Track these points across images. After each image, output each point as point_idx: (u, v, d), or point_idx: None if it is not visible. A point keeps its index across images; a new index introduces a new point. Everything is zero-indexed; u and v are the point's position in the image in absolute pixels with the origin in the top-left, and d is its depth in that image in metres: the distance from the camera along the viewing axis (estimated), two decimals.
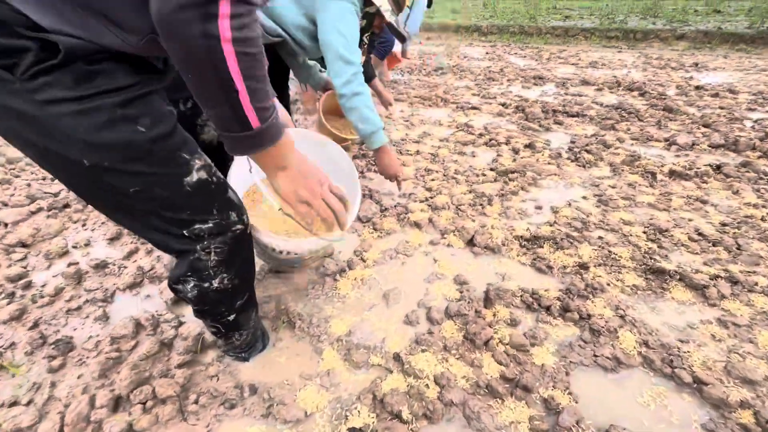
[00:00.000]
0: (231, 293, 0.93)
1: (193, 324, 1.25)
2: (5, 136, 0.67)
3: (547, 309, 1.27)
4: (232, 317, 1.00)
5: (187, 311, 1.33)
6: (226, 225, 0.83)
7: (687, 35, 5.82)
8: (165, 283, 1.43)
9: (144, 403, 1.01)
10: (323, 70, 2.12)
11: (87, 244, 1.69)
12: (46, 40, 0.59)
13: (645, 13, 8.30)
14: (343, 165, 1.33)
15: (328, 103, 2.17)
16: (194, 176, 0.77)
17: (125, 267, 1.53)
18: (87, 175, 0.69)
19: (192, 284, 0.88)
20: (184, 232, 0.80)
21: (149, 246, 1.64)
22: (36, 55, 0.59)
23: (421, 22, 3.50)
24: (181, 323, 1.27)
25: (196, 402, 1.02)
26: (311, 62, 2.06)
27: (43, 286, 1.45)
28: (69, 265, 1.54)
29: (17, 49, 0.58)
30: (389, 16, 1.69)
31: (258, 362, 1.14)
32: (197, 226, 0.80)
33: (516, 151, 2.39)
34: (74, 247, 1.68)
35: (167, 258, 1.55)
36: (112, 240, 1.70)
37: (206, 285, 0.88)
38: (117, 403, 1.03)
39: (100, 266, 1.53)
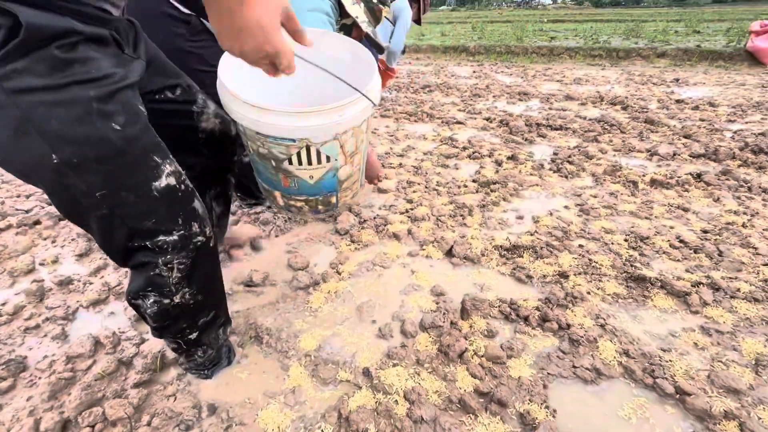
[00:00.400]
0: (194, 309, 0.89)
1: (155, 341, 1.19)
2: None
3: (526, 319, 1.23)
4: (194, 335, 0.94)
5: None
6: (189, 236, 0.80)
7: (668, 53, 5.98)
8: None
9: (93, 426, 0.94)
10: None
11: (55, 261, 1.63)
12: (13, 15, 0.54)
13: (627, 34, 8.58)
14: (344, 57, 1.07)
15: None
16: (163, 181, 0.74)
17: (91, 283, 1.47)
18: (54, 174, 0.64)
19: (152, 300, 0.82)
20: (147, 243, 0.76)
21: None
22: (5, 34, 0.55)
23: (404, 42, 3.57)
24: (143, 340, 1.21)
25: (148, 424, 0.95)
26: None
27: (3, 304, 1.39)
28: (33, 282, 1.48)
29: None
30: (366, 27, 1.69)
31: (220, 380, 1.08)
32: (161, 237, 0.76)
33: (499, 163, 2.39)
34: (41, 264, 1.62)
35: None
36: (81, 256, 1.64)
37: (167, 301, 0.83)
38: (65, 427, 0.96)
39: (65, 283, 1.47)
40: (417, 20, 3.87)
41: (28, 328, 1.28)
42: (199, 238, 0.82)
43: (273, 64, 0.65)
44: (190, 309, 0.87)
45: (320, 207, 1.03)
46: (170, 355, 1.14)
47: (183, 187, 0.78)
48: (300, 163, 0.90)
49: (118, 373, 1.10)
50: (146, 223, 0.74)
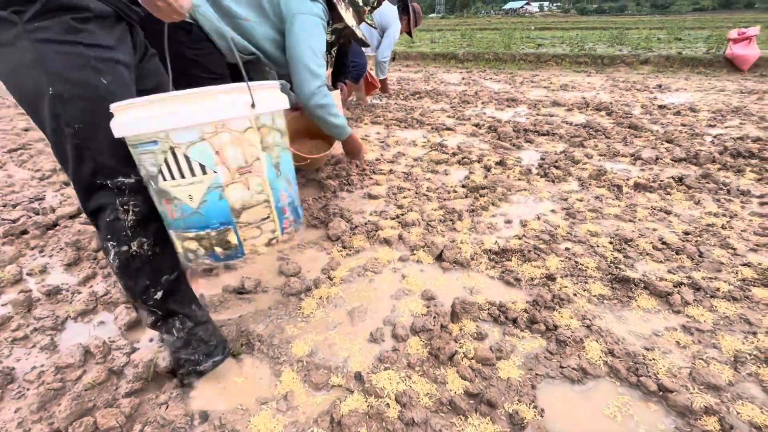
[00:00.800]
0: (152, 262, 0.95)
1: (146, 350, 1.20)
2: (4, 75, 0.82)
3: (514, 321, 1.25)
4: (159, 294, 0.98)
5: (142, 336, 1.26)
6: (145, 182, 0.89)
7: (651, 60, 6.14)
8: (120, 308, 1.36)
9: None
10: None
11: (43, 271, 1.61)
12: None
13: (612, 41, 8.79)
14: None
15: (293, 126, 2.15)
16: None
17: (79, 293, 1.46)
18: (48, 104, 0.81)
19: (113, 253, 0.92)
20: (108, 182, 0.88)
21: (106, 270, 1.58)
22: (39, 5, 0.77)
23: (389, 53, 3.67)
24: (134, 349, 1.21)
25: None
26: (282, 81, 2.11)
27: None
28: (20, 292, 1.46)
29: None
30: (359, 33, 1.78)
31: (213, 387, 1.08)
32: (120, 178, 0.89)
33: (488, 169, 2.43)
34: (29, 274, 1.60)
35: None
36: (70, 266, 1.63)
37: (125, 248, 0.92)
38: None
39: (53, 293, 1.46)
40: (408, 32, 3.94)
41: (16, 338, 1.27)
42: None
43: (171, 7, 0.87)
44: (149, 261, 0.95)
45: (218, 250, 0.88)
46: (162, 363, 1.13)
47: None
48: (173, 176, 0.81)
49: (108, 383, 1.09)
50: (110, 161, 0.88)
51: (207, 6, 1.49)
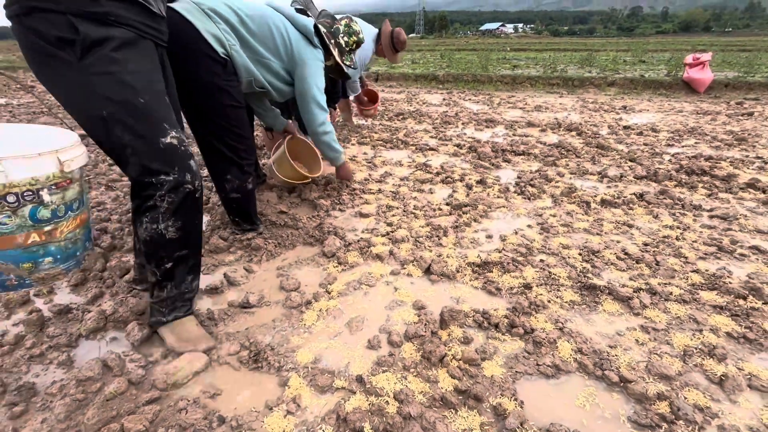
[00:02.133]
0: (171, 243, 1.21)
1: (161, 362, 1.29)
2: (66, 97, 1.08)
3: (496, 326, 1.41)
4: (169, 265, 1.24)
5: (156, 351, 1.35)
6: (181, 182, 1.15)
7: (617, 82, 6.59)
8: (131, 325, 1.45)
9: None
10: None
11: (50, 292, 1.68)
12: (79, 30, 0.98)
13: (582, 63, 9.34)
14: None
15: (290, 146, 2.34)
16: (168, 140, 1.13)
17: (89, 311, 1.54)
18: (102, 123, 1.07)
19: (145, 225, 1.18)
20: (153, 180, 1.12)
21: (114, 289, 1.66)
22: (80, 43, 1.00)
23: (362, 70, 3.90)
24: (149, 362, 1.30)
25: None
26: (275, 108, 2.33)
27: (2, 335, 1.44)
28: (30, 312, 1.53)
29: (71, 40, 0.99)
30: (345, 69, 2.09)
31: (226, 394, 1.18)
32: (162, 177, 1.13)
33: (469, 187, 2.62)
34: (35, 295, 1.67)
35: (132, 301, 1.58)
36: (76, 286, 1.70)
37: (155, 227, 1.17)
38: None
39: (63, 312, 1.53)
40: (385, 56, 4.13)
41: (33, 356, 1.33)
42: (188, 186, 1.17)
43: None
44: (168, 241, 1.20)
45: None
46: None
47: (183, 148, 1.17)
48: None
49: (128, 393, 1.18)
50: (153, 164, 1.11)
51: (239, 47, 1.77)
